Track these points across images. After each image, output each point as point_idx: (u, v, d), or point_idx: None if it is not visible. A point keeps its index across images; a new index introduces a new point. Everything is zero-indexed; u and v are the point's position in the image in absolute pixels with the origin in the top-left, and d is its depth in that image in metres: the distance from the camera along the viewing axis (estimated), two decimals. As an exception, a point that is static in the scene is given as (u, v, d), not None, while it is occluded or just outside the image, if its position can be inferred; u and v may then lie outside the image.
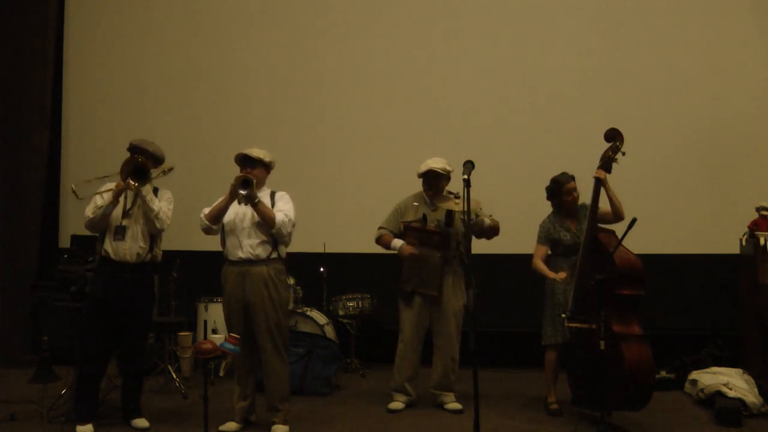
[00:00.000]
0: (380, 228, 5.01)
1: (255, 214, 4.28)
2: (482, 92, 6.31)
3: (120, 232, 4.35)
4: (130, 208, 4.39)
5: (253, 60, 6.68)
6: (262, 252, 4.31)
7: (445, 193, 4.89)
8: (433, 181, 4.86)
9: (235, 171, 4.39)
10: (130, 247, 4.35)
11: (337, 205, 6.34)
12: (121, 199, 4.35)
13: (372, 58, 6.50)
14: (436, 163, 4.84)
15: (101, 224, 4.35)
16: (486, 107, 6.29)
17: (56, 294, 6.00)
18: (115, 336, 4.42)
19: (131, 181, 4.23)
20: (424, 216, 4.88)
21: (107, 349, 4.43)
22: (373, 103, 6.49)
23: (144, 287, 4.47)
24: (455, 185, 4.66)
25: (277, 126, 6.54)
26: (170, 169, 4.62)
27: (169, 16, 6.85)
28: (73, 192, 4.34)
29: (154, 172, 4.44)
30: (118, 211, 4.35)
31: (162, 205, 4.44)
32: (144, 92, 6.83)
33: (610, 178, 4.40)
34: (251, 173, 4.30)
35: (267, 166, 4.45)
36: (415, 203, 4.96)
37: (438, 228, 4.83)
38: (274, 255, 4.35)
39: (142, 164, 4.27)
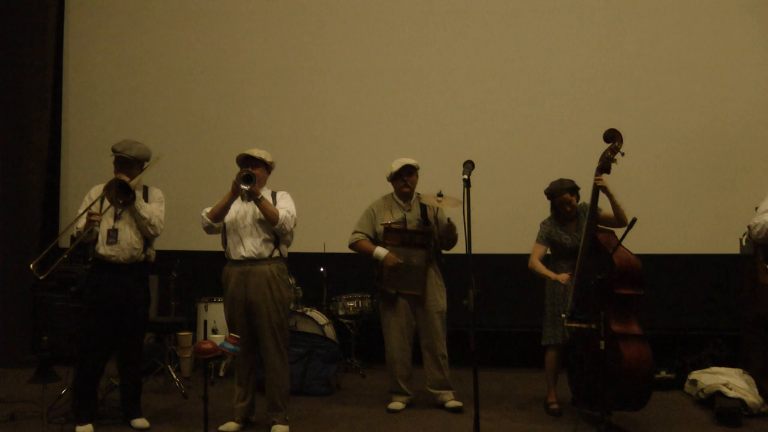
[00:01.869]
0: (355, 233, 4.97)
1: (256, 213, 4.29)
2: (482, 92, 6.31)
3: (113, 236, 4.34)
4: (121, 211, 4.38)
5: (254, 60, 6.68)
6: (264, 250, 4.31)
7: (414, 195, 4.93)
8: (409, 176, 4.88)
9: (236, 169, 4.38)
10: (123, 249, 4.34)
11: (337, 205, 6.34)
12: None
13: (372, 59, 6.50)
14: (409, 159, 4.89)
15: (92, 237, 4.35)
16: (486, 107, 6.29)
17: (56, 294, 6.00)
18: (113, 336, 4.42)
19: (120, 201, 4.24)
20: (405, 217, 4.89)
21: (104, 350, 4.43)
22: (373, 103, 6.49)
23: (139, 288, 4.45)
24: (451, 184, 4.68)
25: (277, 126, 6.54)
26: (158, 159, 4.56)
27: (169, 16, 6.85)
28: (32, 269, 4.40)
29: (141, 174, 4.41)
30: (110, 214, 4.35)
31: (153, 208, 4.44)
32: (144, 92, 6.84)
33: (610, 179, 4.39)
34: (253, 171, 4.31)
35: (268, 167, 4.47)
36: (386, 206, 4.97)
37: (420, 228, 4.85)
38: (276, 254, 4.36)
39: (125, 185, 4.25)
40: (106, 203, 4.35)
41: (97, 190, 4.45)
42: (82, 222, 4.34)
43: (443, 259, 4.96)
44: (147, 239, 4.46)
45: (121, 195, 4.26)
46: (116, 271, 4.35)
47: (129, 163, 4.38)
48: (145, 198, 4.47)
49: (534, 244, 4.75)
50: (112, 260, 4.34)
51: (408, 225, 4.88)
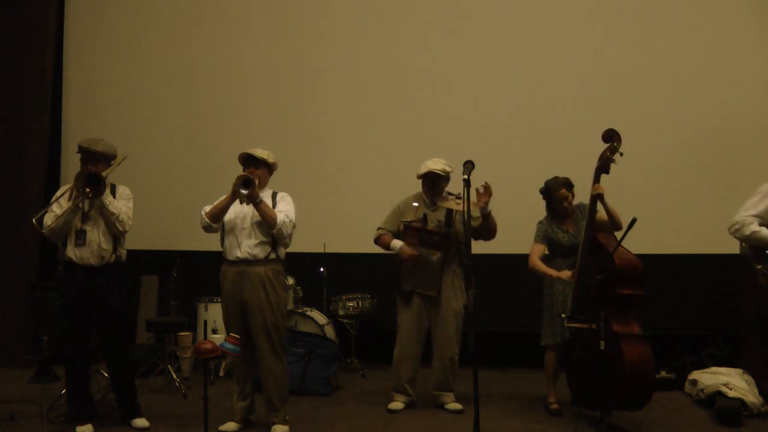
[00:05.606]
0: (379, 228, 5.01)
1: (255, 215, 4.28)
2: (482, 92, 6.30)
3: (81, 237, 4.30)
4: (89, 211, 4.34)
5: (254, 60, 6.67)
6: (260, 252, 4.31)
7: (444, 193, 4.89)
8: (433, 182, 4.87)
9: (236, 170, 4.39)
10: (92, 250, 4.32)
11: (337, 205, 6.34)
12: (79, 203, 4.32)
13: (372, 58, 6.50)
14: (436, 165, 4.84)
15: (62, 233, 4.32)
16: (486, 107, 6.28)
17: (56, 294, 5.99)
18: (94, 338, 4.41)
19: (88, 191, 4.19)
20: (425, 216, 4.88)
21: (86, 351, 4.42)
22: (373, 103, 6.48)
23: (113, 288, 4.40)
24: (456, 185, 4.67)
25: (277, 126, 6.53)
26: (124, 159, 4.53)
27: (169, 15, 6.85)
28: (34, 223, 4.31)
29: (107, 171, 4.37)
30: (77, 215, 4.32)
31: (121, 204, 4.39)
32: (144, 92, 6.83)
33: (609, 179, 4.39)
34: (254, 173, 4.30)
35: (270, 167, 4.46)
36: (414, 203, 4.96)
37: (438, 228, 4.83)
38: (273, 256, 4.35)
39: (95, 174, 4.22)
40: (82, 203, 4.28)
41: (64, 195, 4.41)
42: (65, 205, 4.28)
43: (468, 261, 4.90)
44: (116, 240, 4.41)
45: (90, 185, 4.19)
46: (87, 273, 4.32)
47: (96, 158, 4.34)
48: (113, 195, 4.41)
49: (533, 244, 4.75)
50: (82, 263, 4.31)
51: (428, 224, 4.87)
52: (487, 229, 4.74)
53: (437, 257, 4.81)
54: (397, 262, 4.91)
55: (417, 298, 4.85)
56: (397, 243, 4.88)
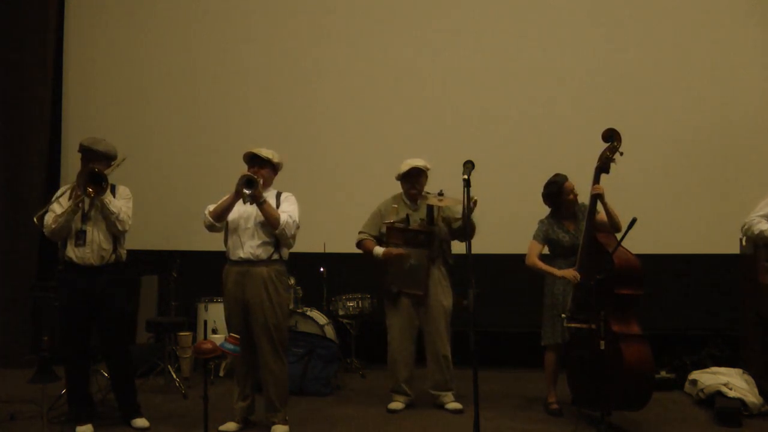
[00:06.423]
0: (361, 232, 5.01)
1: (259, 215, 4.28)
2: (482, 92, 6.30)
3: (81, 237, 4.31)
4: (89, 211, 4.35)
5: (254, 60, 6.68)
6: (262, 253, 4.30)
7: (423, 192, 4.91)
8: (416, 178, 4.88)
9: (236, 169, 4.37)
10: (92, 251, 4.32)
11: (337, 205, 6.34)
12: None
13: (373, 59, 6.50)
14: (417, 161, 4.87)
15: (63, 232, 4.32)
16: (486, 107, 6.28)
17: (56, 294, 5.99)
18: (94, 338, 4.42)
19: (89, 190, 4.19)
20: (407, 216, 4.89)
21: (85, 351, 4.42)
22: (373, 103, 6.49)
23: (113, 288, 4.40)
24: (450, 184, 4.68)
25: (277, 126, 6.53)
26: (123, 160, 4.54)
27: (169, 15, 6.85)
28: (36, 222, 4.36)
29: (108, 171, 4.37)
30: (77, 215, 4.33)
31: (121, 204, 4.40)
32: (144, 92, 6.83)
33: (609, 179, 4.40)
34: (258, 173, 4.30)
35: (275, 167, 4.45)
36: (394, 205, 4.97)
37: (422, 227, 4.84)
38: (276, 256, 4.35)
39: (97, 173, 4.22)
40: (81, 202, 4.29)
41: (64, 195, 4.42)
42: (65, 205, 4.30)
43: (452, 260, 4.95)
44: (116, 240, 4.41)
45: (92, 184, 4.20)
46: (87, 273, 4.32)
47: (97, 158, 4.34)
48: (113, 195, 4.41)
49: (531, 241, 4.75)
50: (82, 263, 4.31)
51: (411, 224, 4.87)
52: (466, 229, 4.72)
53: (423, 256, 4.81)
54: (377, 263, 4.89)
55: (405, 299, 4.86)
56: (379, 250, 4.88)
